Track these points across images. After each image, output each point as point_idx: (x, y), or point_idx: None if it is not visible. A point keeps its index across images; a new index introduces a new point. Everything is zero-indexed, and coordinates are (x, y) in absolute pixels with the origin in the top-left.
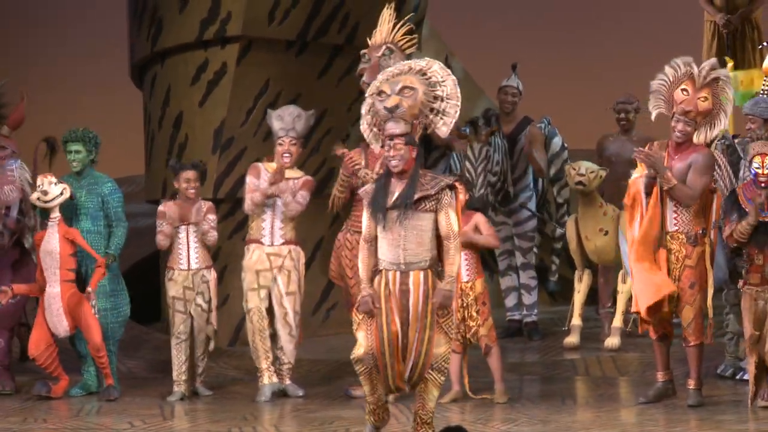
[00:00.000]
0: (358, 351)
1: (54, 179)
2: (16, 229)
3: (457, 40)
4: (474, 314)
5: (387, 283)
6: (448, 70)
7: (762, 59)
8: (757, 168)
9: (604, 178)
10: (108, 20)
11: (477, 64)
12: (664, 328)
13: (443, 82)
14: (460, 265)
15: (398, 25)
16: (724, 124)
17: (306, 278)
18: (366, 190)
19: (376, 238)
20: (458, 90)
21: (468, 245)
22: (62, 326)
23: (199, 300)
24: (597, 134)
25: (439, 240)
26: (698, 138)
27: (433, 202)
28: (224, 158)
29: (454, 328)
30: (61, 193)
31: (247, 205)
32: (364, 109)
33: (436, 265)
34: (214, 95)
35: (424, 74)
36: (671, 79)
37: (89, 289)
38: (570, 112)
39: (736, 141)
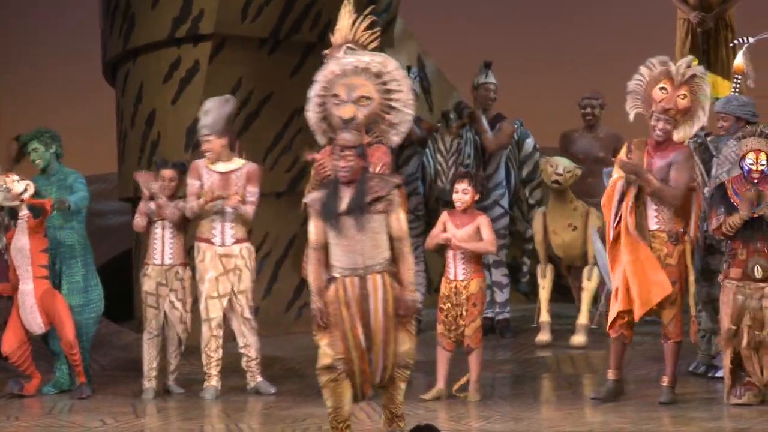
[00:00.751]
0: (325, 360)
1: (16, 177)
2: None
3: (429, 36)
4: (464, 313)
5: (345, 290)
6: (404, 72)
7: (734, 56)
8: (751, 164)
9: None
10: (83, 18)
11: (449, 60)
12: (625, 329)
13: (399, 89)
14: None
15: (357, 22)
16: (703, 120)
17: (278, 276)
18: (314, 198)
19: (325, 246)
20: (412, 96)
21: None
22: (36, 323)
23: (172, 297)
24: None
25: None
26: (678, 136)
27: (384, 203)
28: (197, 156)
29: (414, 324)
30: (25, 189)
31: (188, 212)
32: (313, 100)
33: (392, 265)
34: (187, 93)
35: (380, 77)
36: (647, 79)
37: (26, 203)
38: (542, 109)
39: (708, 139)
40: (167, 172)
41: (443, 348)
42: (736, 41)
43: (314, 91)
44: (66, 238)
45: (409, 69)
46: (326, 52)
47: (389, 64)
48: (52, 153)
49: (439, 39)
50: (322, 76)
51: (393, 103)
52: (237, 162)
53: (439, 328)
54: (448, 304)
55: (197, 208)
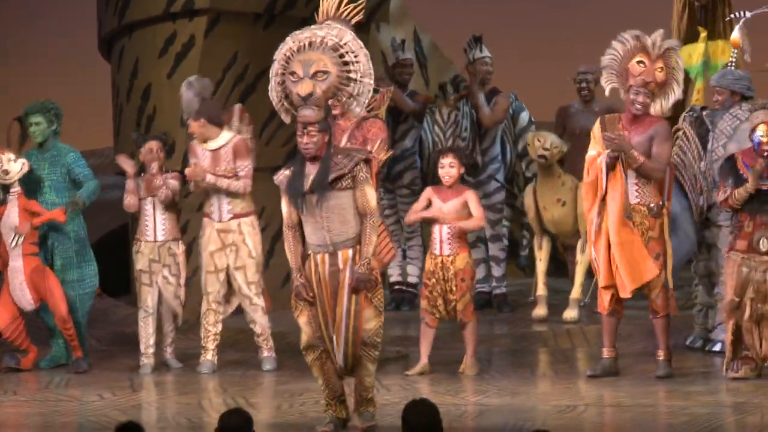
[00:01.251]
0: (305, 338)
1: (12, 156)
2: None
3: (426, 11)
4: (453, 288)
5: (316, 267)
6: (360, 42)
7: (731, 30)
8: (762, 137)
9: (567, 151)
10: None
11: (446, 36)
12: (616, 303)
13: (356, 59)
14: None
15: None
16: (677, 93)
17: (275, 251)
18: (280, 178)
19: (298, 223)
20: (371, 66)
21: (455, 226)
22: (26, 300)
23: (166, 273)
24: None
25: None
26: (654, 109)
27: (349, 180)
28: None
29: (383, 301)
30: (21, 169)
31: (191, 187)
32: (273, 79)
33: None
34: (183, 68)
35: (336, 50)
36: (621, 53)
37: (34, 222)
38: (538, 85)
39: (704, 113)
40: (154, 144)
41: (427, 324)
42: (733, 15)
43: (273, 71)
44: None
45: (403, 42)
46: None
47: (344, 36)
48: (52, 130)
49: (436, 15)
50: (279, 55)
51: (351, 75)
52: (224, 137)
53: (423, 303)
54: (433, 280)
55: (197, 191)
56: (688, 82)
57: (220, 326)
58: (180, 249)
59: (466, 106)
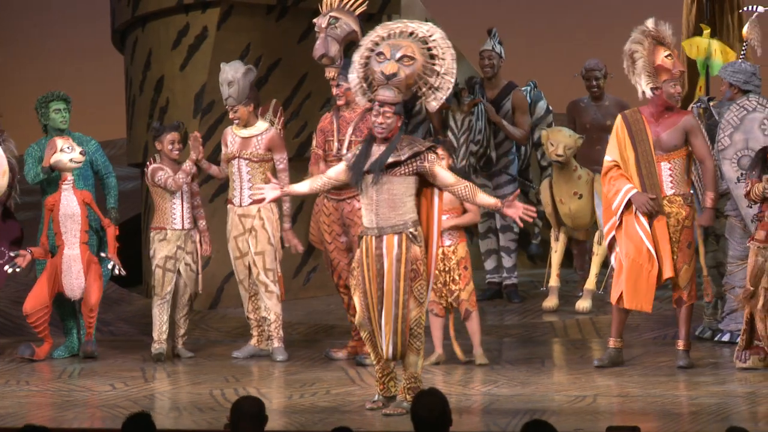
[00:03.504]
0: (358, 315)
1: (70, 141)
2: (5, 200)
3: (437, 2)
4: (456, 278)
5: (367, 248)
6: (449, 42)
7: (740, 23)
8: None
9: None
10: None
11: (457, 28)
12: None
13: (443, 55)
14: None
15: None
16: None
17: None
18: (348, 156)
19: (334, 182)
20: (455, 65)
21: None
22: (80, 288)
23: (189, 260)
24: None
25: (419, 204)
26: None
27: (406, 167)
28: (205, 122)
29: (425, 292)
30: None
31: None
32: (357, 61)
33: (413, 228)
34: (195, 59)
35: (426, 43)
36: (646, 53)
37: (110, 255)
38: (552, 75)
39: (711, 104)
40: (173, 135)
41: (436, 314)
42: (745, 8)
43: (359, 53)
44: None
45: None
46: (315, 20)
47: (435, 33)
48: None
49: (448, 5)
50: (367, 40)
51: (436, 67)
52: (260, 126)
53: (431, 295)
54: (436, 271)
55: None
56: (695, 74)
57: (257, 313)
58: (198, 237)
59: (480, 105)
